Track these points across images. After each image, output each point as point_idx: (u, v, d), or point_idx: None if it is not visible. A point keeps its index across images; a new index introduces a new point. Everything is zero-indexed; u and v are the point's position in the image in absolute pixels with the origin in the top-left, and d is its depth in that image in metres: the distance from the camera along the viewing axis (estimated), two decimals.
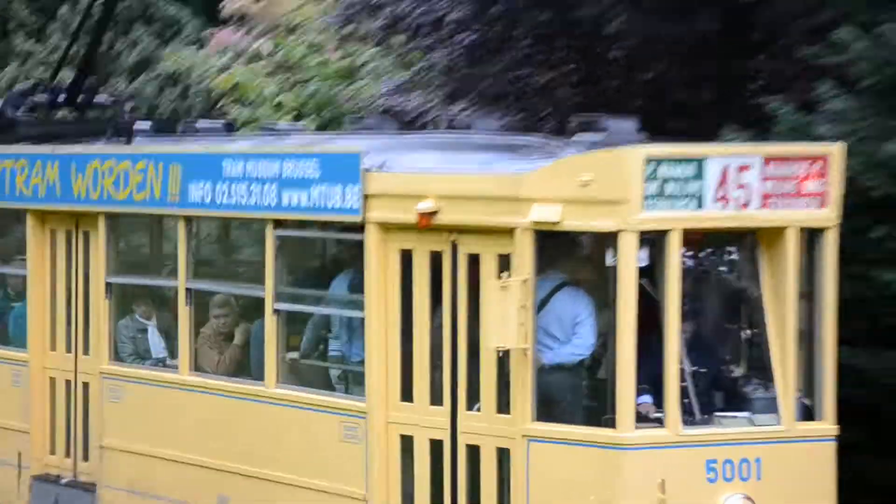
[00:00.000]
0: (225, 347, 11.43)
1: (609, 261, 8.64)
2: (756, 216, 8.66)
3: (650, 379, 8.44)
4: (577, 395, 9.13)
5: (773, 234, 8.78)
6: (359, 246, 10.05)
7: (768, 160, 8.68)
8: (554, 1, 15.75)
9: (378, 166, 9.67)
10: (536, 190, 8.65)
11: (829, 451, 8.84)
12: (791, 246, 8.67)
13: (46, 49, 26.42)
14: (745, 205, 8.59)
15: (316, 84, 24.18)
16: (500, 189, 8.95)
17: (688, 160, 8.46)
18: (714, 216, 8.53)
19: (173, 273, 12.18)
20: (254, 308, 11.48)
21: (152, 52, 26.94)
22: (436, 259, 9.37)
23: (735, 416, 8.75)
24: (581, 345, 8.95)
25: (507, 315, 8.41)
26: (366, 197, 9.59)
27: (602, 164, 8.38)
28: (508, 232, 8.77)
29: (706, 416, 8.67)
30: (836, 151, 8.90)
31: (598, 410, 8.75)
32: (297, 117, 23.88)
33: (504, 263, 8.81)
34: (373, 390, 9.67)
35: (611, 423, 8.34)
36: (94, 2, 17.05)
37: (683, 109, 15.60)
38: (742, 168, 8.56)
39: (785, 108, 12.65)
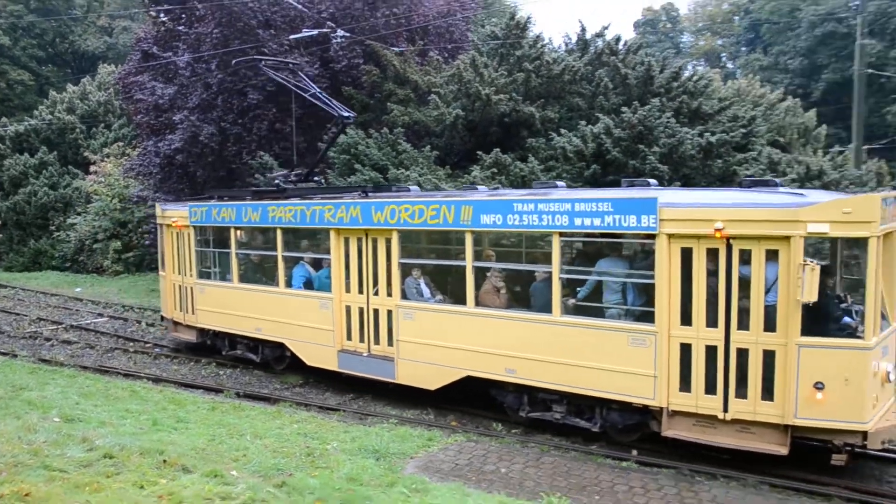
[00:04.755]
0: (499, 295, 12.95)
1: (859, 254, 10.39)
2: None
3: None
4: (821, 321, 10.16)
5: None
6: (638, 245, 11.58)
7: None
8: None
9: (666, 205, 10.74)
10: (810, 216, 9.73)
11: None
12: None
13: None
14: None
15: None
16: (780, 216, 9.93)
17: (893, 199, 10.34)
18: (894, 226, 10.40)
19: (460, 256, 13.38)
20: (529, 276, 12.95)
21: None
22: (711, 252, 10.45)
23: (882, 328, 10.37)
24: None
25: (812, 282, 9.50)
26: (660, 220, 10.69)
27: (857, 202, 9.67)
28: (784, 238, 9.87)
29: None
30: None
31: (840, 329, 10.22)
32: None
33: (770, 254, 10.05)
34: (661, 319, 10.77)
35: (860, 336, 9.82)
36: (330, 145, 20.19)
37: None
38: None
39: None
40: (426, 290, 14.19)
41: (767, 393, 10.16)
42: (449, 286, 14.13)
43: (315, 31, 22.08)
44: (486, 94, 20.80)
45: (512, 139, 21.40)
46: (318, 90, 18.09)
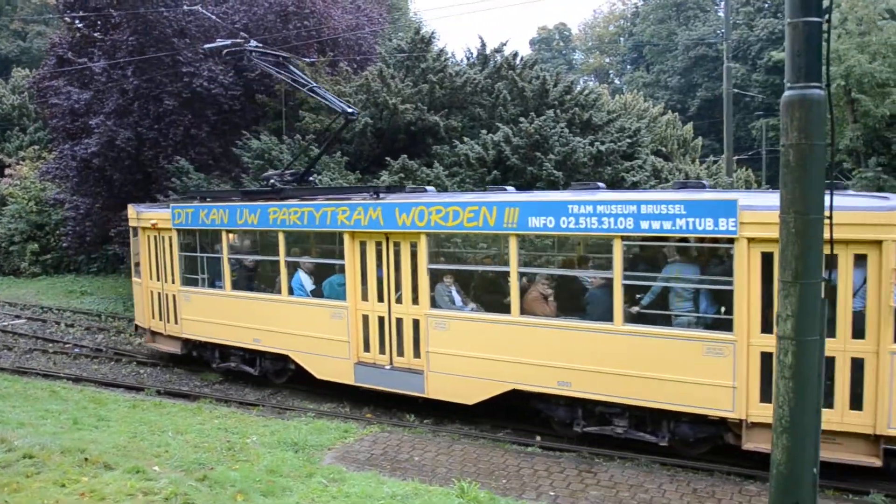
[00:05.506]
0: (545, 303, 11.37)
1: None
2: None
3: None
4: None
5: None
6: (707, 249, 10.29)
7: None
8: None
9: (747, 208, 9.49)
10: None
11: None
12: None
13: None
14: None
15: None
16: (873, 219, 8.78)
17: None
18: None
19: (496, 260, 12.59)
20: (580, 282, 11.60)
21: None
22: None
23: None
24: None
25: None
26: (741, 224, 9.42)
27: None
28: (874, 242, 8.76)
29: None
30: None
31: None
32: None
33: (858, 259, 8.89)
34: (740, 327, 9.52)
35: None
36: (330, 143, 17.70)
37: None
38: None
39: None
40: (458, 298, 12.39)
41: (856, 402, 9.11)
42: (483, 293, 12.52)
43: (229, 41, 21.52)
44: (393, 104, 20.71)
45: (418, 146, 21.35)
46: (315, 84, 16.41)
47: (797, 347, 5.17)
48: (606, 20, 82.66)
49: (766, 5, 57.16)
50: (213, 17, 23.13)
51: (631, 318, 10.46)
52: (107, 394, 14.59)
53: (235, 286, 15.44)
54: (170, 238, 16.57)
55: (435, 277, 12.43)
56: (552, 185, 18.04)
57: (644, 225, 10.09)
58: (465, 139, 20.36)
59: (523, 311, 11.37)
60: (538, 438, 11.56)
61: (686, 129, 32.39)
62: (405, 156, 19.82)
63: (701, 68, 59.25)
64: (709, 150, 41.91)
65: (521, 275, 11.53)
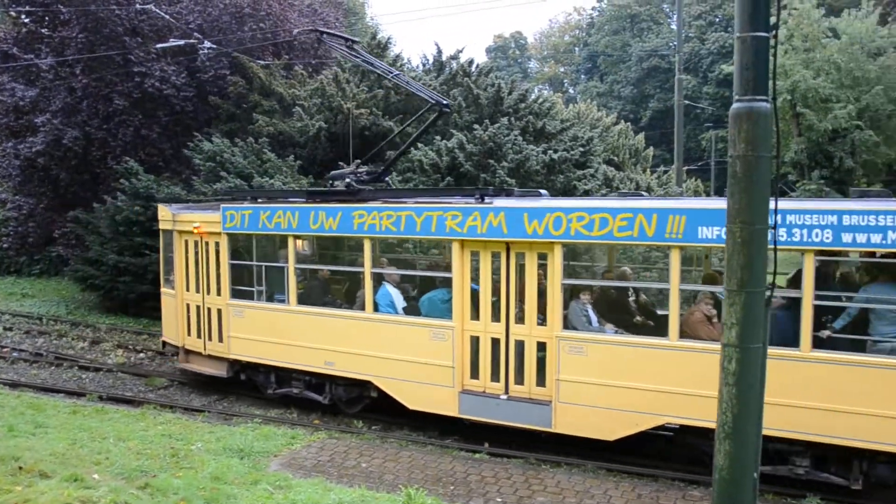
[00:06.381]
0: (711, 325, 9.92)
1: None
2: None
3: None
4: None
5: None
6: None
7: None
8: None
9: None
10: None
11: None
12: None
13: None
14: None
15: None
16: None
17: None
18: None
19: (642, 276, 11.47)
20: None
21: None
22: None
23: None
24: None
25: None
26: None
27: None
28: None
29: None
30: None
31: None
32: None
33: None
34: None
35: None
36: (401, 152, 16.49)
37: None
38: None
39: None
40: (594, 318, 10.90)
41: None
42: (619, 313, 11.25)
43: (182, 42, 21.24)
44: (348, 108, 20.64)
45: (372, 151, 21.34)
46: (399, 72, 15.25)
47: (741, 355, 5.22)
48: (562, 30, 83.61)
49: (718, 20, 58.44)
50: (167, 16, 22.76)
51: (818, 344, 9.19)
52: (46, 399, 14.06)
53: (303, 300, 13.44)
54: (217, 244, 14.47)
55: (569, 294, 10.92)
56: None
57: (846, 238, 8.84)
58: (419, 145, 20.35)
59: (682, 334, 9.98)
60: (486, 445, 11.52)
61: (638, 139, 32.84)
62: (359, 160, 19.73)
63: (653, 80, 60.27)
64: (659, 159, 42.64)
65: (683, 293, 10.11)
